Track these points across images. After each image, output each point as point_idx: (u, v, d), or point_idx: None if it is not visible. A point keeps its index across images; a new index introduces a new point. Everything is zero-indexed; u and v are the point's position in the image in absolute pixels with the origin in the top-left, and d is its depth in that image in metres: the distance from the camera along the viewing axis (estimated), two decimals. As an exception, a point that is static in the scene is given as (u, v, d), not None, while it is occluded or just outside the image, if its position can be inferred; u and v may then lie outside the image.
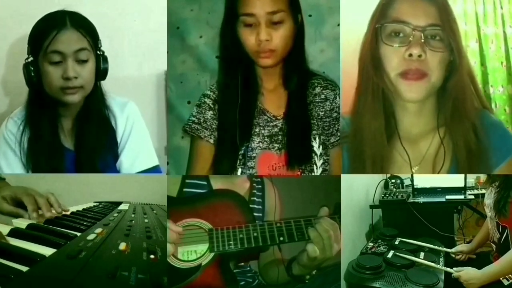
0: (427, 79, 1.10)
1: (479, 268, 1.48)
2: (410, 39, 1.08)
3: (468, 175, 2.17)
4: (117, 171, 1.48)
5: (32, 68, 1.34)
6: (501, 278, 1.47)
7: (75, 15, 1.37)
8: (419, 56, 1.07)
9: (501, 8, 1.93)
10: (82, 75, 1.34)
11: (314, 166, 1.38)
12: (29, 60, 1.35)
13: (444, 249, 1.79)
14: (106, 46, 1.44)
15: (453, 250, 1.81)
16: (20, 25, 1.53)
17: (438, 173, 1.19)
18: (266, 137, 1.39)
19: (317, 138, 1.39)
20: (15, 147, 1.39)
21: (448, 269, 1.51)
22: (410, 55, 1.08)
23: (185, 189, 1.36)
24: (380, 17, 1.12)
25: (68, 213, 1.34)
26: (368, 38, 1.14)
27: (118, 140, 1.47)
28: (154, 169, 1.51)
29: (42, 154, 1.39)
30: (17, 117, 1.41)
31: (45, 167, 1.39)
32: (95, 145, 1.42)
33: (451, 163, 1.18)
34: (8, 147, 1.39)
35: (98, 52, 1.39)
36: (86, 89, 1.38)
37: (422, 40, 1.07)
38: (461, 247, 1.82)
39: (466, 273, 1.47)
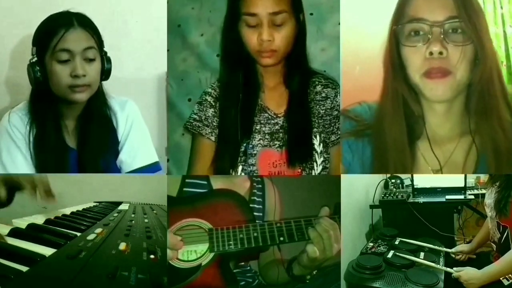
0: (452, 76, 1.05)
1: (479, 268, 1.48)
2: (429, 37, 1.03)
3: (468, 175, 2.17)
4: (118, 169, 1.48)
5: (38, 68, 1.33)
6: (501, 278, 1.47)
7: (80, 16, 1.37)
8: (440, 53, 1.03)
9: (501, 8, 1.92)
10: (90, 74, 1.35)
11: (314, 163, 1.38)
12: (34, 60, 1.34)
13: (444, 249, 1.79)
14: (107, 45, 1.44)
15: (453, 250, 1.81)
16: (23, 26, 1.54)
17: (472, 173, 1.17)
18: (267, 135, 1.39)
19: (317, 136, 1.40)
20: (21, 144, 1.38)
21: (448, 269, 1.51)
22: (431, 53, 1.04)
23: (185, 189, 1.36)
24: (398, 18, 1.09)
25: (61, 213, 1.34)
26: (389, 41, 1.11)
27: (119, 138, 1.48)
28: (154, 166, 1.52)
29: (48, 153, 1.38)
30: (21, 112, 1.40)
31: (50, 165, 1.38)
32: (98, 145, 1.43)
33: (478, 164, 1.14)
34: (13, 143, 1.38)
35: (102, 53, 1.40)
36: (93, 88, 1.38)
37: (442, 36, 1.03)
38: (461, 247, 1.82)
39: (466, 273, 1.47)
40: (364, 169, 1.22)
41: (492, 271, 1.47)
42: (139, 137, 1.50)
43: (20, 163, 1.37)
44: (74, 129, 1.44)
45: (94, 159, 1.42)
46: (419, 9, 1.05)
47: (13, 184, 1.22)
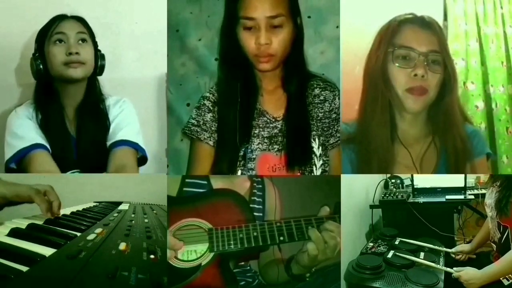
0: (427, 95, 1.30)
1: (479, 268, 1.48)
2: (415, 62, 1.28)
3: (468, 175, 2.17)
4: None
5: (39, 61, 1.49)
6: (501, 278, 1.47)
7: (75, 16, 1.53)
8: (422, 76, 1.28)
9: (501, 8, 1.93)
10: (83, 54, 1.49)
11: (314, 167, 1.38)
12: (37, 54, 1.51)
13: (444, 249, 1.79)
14: (108, 48, 1.48)
15: (453, 250, 1.81)
16: (22, 29, 1.64)
17: (426, 172, 1.39)
18: (265, 139, 1.39)
19: (316, 139, 1.39)
20: (30, 121, 1.49)
21: (448, 269, 1.51)
22: (415, 75, 1.28)
23: (185, 189, 1.36)
24: (389, 42, 1.31)
25: (60, 214, 1.34)
26: (379, 58, 1.32)
27: (110, 122, 1.58)
28: (135, 144, 1.56)
29: (53, 133, 1.50)
30: (26, 105, 1.53)
31: (55, 145, 1.49)
32: (93, 133, 1.54)
33: (438, 163, 1.38)
34: (23, 121, 1.49)
35: (95, 49, 1.54)
36: (87, 67, 1.51)
37: (425, 63, 1.28)
38: (461, 247, 1.82)
39: (466, 273, 1.47)
40: (352, 170, 1.40)
41: (492, 271, 1.47)
42: (127, 119, 1.59)
43: (34, 132, 1.48)
44: (73, 119, 1.55)
45: (89, 147, 1.53)
46: (409, 40, 1.30)
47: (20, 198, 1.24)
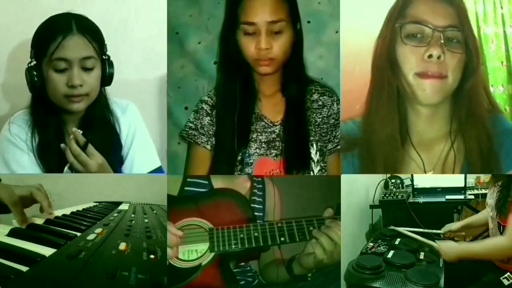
0: (445, 80, 1.08)
1: None
2: (429, 40, 1.06)
3: (468, 175, 2.17)
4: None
5: (35, 73, 1.31)
6: (501, 278, 1.46)
7: (81, 19, 1.35)
8: (438, 57, 1.06)
9: (501, 8, 1.92)
10: (88, 83, 1.33)
11: (311, 172, 1.38)
12: (32, 64, 1.32)
13: (434, 231, 1.78)
14: (108, 50, 1.44)
15: (441, 231, 1.80)
16: (22, 29, 1.51)
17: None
18: (263, 143, 1.39)
19: (314, 145, 1.39)
20: (27, 150, 1.36)
21: (432, 243, 1.52)
22: (430, 56, 1.06)
23: (186, 188, 1.36)
24: (399, 17, 1.11)
25: (52, 217, 1.33)
26: (386, 37, 1.12)
27: (122, 143, 1.46)
28: (158, 170, 1.51)
29: (52, 159, 1.36)
30: (20, 121, 1.38)
31: (56, 171, 1.36)
32: (101, 151, 1.35)
33: (463, 167, 1.17)
34: (18, 149, 1.36)
35: (104, 57, 1.38)
36: (91, 96, 1.36)
37: (442, 41, 1.06)
38: (448, 226, 1.81)
39: (445, 244, 1.48)
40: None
41: (472, 247, 1.47)
42: (143, 145, 1.49)
43: (29, 166, 1.35)
44: None
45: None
46: (423, 12, 1.08)
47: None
